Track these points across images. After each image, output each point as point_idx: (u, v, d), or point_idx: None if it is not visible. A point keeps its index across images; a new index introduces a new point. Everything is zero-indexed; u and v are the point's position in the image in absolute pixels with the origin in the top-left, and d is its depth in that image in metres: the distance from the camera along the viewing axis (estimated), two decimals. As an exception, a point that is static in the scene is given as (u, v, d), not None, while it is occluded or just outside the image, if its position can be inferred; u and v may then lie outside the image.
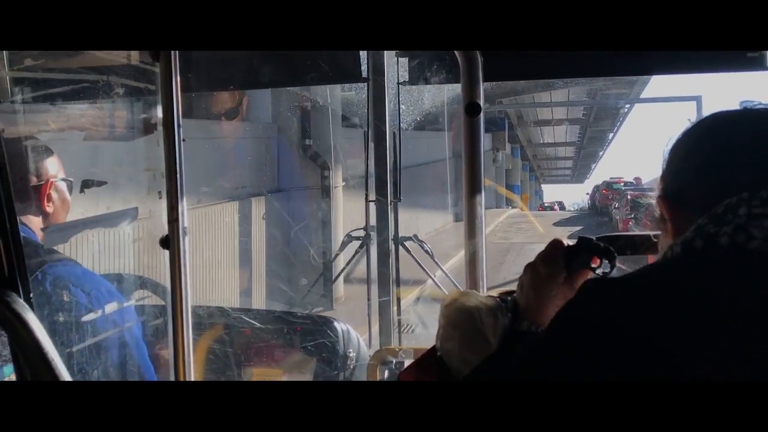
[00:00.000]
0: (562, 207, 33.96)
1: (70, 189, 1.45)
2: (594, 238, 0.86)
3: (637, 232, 1.01)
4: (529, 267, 0.87)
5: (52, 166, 1.41)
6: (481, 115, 1.25)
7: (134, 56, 1.25)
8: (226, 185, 6.41)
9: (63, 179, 1.43)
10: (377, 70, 2.29)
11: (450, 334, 0.86)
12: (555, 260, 0.84)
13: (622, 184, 20.86)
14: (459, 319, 0.86)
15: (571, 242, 0.86)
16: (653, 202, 0.75)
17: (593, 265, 0.84)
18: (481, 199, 1.24)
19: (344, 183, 7.83)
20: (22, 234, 0.96)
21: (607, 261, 0.84)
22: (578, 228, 16.26)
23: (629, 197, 14.80)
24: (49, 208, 1.40)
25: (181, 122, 1.28)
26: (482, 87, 1.26)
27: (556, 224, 18.04)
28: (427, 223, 12.21)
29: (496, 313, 0.85)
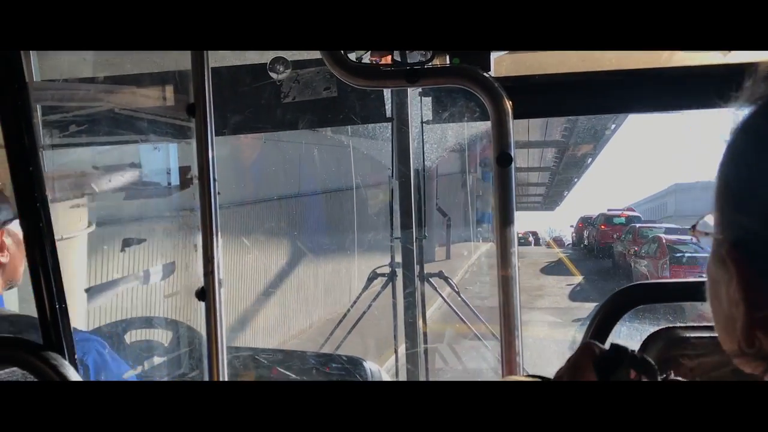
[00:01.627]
0: (537, 239, 29.12)
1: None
2: (629, 349, 0.73)
3: (689, 279, 0.96)
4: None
5: (4, 211, 1.24)
6: (513, 165, 1.26)
7: (170, 113, 1.28)
8: None
9: (13, 218, 1.24)
10: (401, 109, 2.32)
11: None
12: (585, 374, 0.72)
13: (624, 218, 16.13)
14: None
15: (605, 347, 0.74)
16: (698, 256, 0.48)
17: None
18: (515, 251, 1.24)
19: (92, 227, 2.53)
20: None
21: (645, 377, 0.73)
22: (578, 279, 12.91)
23: (665, 242, 9.99)
24: (4, 259, 1.25)
25: (216, 176, 1.31)
26: (513, 137, 1.27)
27: (544, 270, 14.08)
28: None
29: None
